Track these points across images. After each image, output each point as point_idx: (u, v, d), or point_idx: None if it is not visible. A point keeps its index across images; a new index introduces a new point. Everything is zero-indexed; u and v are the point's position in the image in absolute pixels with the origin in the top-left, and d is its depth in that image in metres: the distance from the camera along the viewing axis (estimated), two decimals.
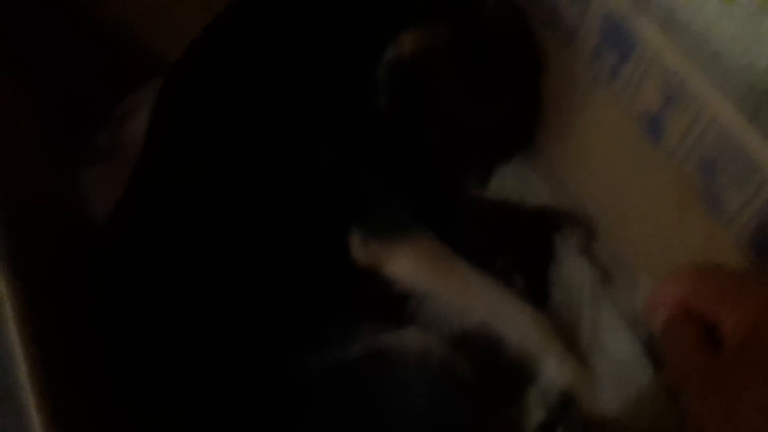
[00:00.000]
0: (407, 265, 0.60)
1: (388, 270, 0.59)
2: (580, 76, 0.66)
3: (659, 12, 0.60)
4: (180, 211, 0.58)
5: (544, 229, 0.72)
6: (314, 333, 0.54)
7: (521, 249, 0.70)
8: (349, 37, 0.63)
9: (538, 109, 0.72)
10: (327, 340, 0.53)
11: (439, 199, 0.67)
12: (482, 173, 0.73)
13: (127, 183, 0.62)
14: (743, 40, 0.56)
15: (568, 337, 0.64)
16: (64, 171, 0.76)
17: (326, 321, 0.55)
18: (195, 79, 0.64)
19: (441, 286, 0.60)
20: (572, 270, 0.70)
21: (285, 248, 0.57)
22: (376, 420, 0.53)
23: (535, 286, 0.68)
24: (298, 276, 0.57)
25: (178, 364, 0.53)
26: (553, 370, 0.61)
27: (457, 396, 0.54)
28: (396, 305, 0.60)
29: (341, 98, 0.63)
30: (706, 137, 0.54)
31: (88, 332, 0.55)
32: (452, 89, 0.65)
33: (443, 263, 0.61)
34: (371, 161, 0.62)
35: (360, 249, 0.59)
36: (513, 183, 0.76)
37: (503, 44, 0.66)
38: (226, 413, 0.52)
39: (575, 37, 0.65)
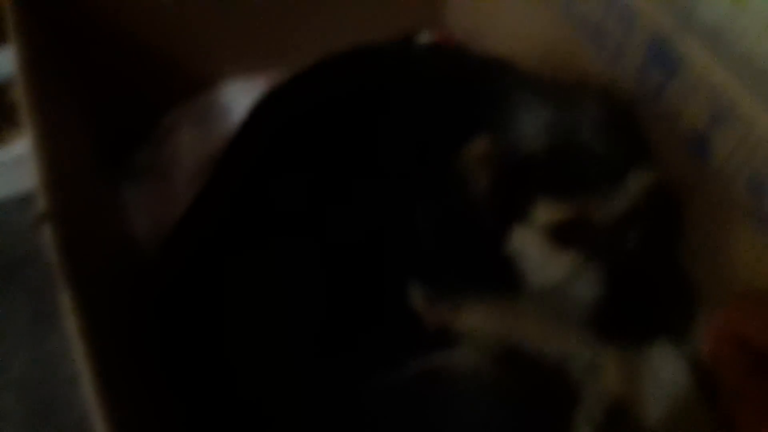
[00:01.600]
0: (476, 322, 0.58)
1: (455, 327, 0.58)
2: (626, 95, 0.66)
3: (704, 30, 0.61)
4: (245, 240, 0.58)
5: None
6: (370, 357, 0.54)
7: None
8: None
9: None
10: (382, 363, 0.53)
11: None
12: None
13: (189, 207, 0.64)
14: None
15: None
16: (108, 187, 0.77)
17: (382, 344, 0.55)
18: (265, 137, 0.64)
19: (508, 332, 0.59)
20: None
21: (345, 287, 0.56)
22: None
23: None
24: (357, 310, 0.56)
25: (237, 383, 0.54)
26: (610, 377, 0.60)
27: (508, 415, 0.54)
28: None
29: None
30: (756, 155, 0.54)
31: (142, 349, 0.56)
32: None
33: (511, 315, 0.59)
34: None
35: (425, 307, 0.57)
36: None
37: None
38: None
39: (621, 56, 0.65)
